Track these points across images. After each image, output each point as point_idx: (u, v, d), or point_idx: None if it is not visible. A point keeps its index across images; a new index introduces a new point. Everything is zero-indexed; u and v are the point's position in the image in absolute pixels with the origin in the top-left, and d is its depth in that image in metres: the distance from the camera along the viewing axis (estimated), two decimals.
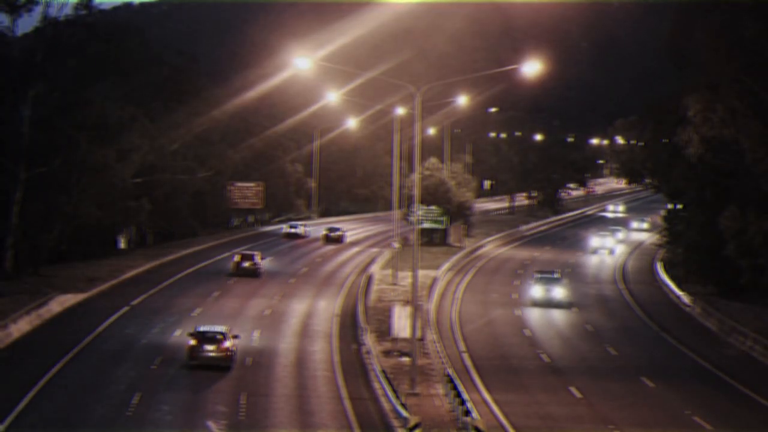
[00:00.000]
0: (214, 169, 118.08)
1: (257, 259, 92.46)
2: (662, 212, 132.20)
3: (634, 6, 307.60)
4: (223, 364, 55.03)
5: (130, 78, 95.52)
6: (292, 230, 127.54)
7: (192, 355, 55.12)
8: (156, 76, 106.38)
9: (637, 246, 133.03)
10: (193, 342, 55.37)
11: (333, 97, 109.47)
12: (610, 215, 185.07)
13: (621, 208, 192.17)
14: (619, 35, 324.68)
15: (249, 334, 65.24)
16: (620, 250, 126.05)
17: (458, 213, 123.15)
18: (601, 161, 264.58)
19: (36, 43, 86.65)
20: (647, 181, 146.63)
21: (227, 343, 55.32)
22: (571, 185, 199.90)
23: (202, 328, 56.94)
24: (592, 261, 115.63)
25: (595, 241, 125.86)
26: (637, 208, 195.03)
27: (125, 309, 72.84)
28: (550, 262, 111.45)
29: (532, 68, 53.13)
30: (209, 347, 54.98)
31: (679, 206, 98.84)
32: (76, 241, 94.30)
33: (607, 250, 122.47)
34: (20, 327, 62.96)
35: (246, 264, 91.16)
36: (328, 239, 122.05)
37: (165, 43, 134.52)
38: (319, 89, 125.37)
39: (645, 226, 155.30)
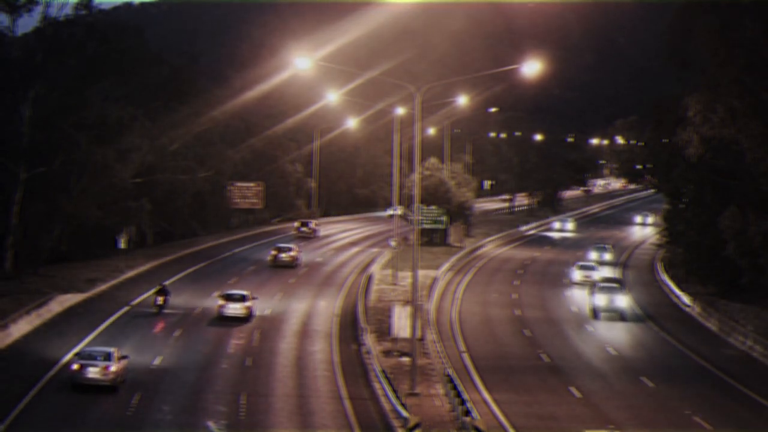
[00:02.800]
0: (214, 169, 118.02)
1: (312, 224, 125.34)
2: (660, 212, 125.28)
3: (634, 6, 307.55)
4: (293, 264, 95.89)
5: (130, 78, 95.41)
6: (392, 213, 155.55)
7: (275, 260, 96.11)
8: (156, 76, 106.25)
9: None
10: (274, 252, 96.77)
11: (333, 97, 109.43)
12: (555, 235, 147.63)
13: (570, 225, 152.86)
14: (619, 35, 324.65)
15: (249, 334, 65.29)
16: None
17: (458, 213, 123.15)
18: (602, 162, 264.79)
19: (36, 43, 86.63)
20: (647, 179, 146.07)
21: (293, 252, 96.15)
22: (604, 181, 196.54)
23: (279, 245, 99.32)
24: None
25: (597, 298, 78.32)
26: (589, 224, 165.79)
27: (125, 309, 72.85)
28: (550, 262, 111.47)
29: (532, 68, 53.12)
30: (283, 255, 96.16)
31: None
32: (76, 241, 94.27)
33: (618, 313, 77.49)
34: (20, 327, 62.96)
35: (304, 229, 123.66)
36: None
37: (165, 43, 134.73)
38: (319, 89, 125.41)
39: (607, 257, 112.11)
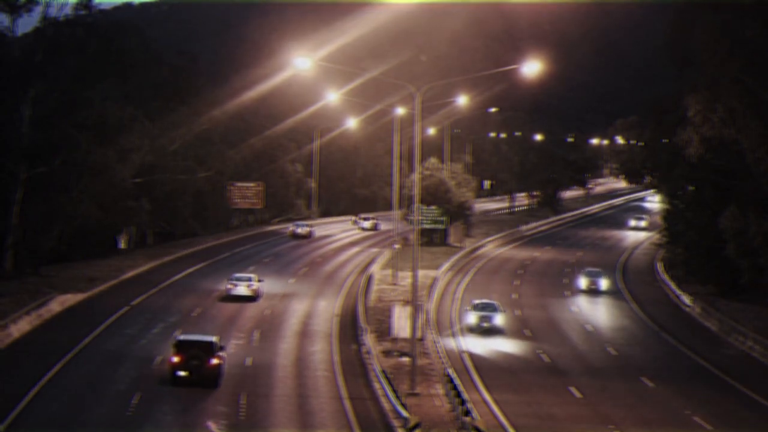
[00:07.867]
0: (214, 169, 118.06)
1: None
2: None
3: (634, 6, 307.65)
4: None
5: (130, 78, 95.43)
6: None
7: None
8: (156, 76, 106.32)
9: None
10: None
11: (333, 97, 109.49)
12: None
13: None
14: (619, 35, 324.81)
15: (249, 334, 65.30)
16: None
17: (458, 213, 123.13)
18: (602, 161, 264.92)
19: (36, 43, 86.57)
20: (647, 179, 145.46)
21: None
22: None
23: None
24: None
25: None
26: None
27: (125, 309, 72.85)
28: (550, 262, 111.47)
29: (532, 68, 53.12)
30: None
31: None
32: (76, 241, 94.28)
33: None
34: (20, 327, 62.97)
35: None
36: None
37: (165, 43, 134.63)
38: (319, 89, 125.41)
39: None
